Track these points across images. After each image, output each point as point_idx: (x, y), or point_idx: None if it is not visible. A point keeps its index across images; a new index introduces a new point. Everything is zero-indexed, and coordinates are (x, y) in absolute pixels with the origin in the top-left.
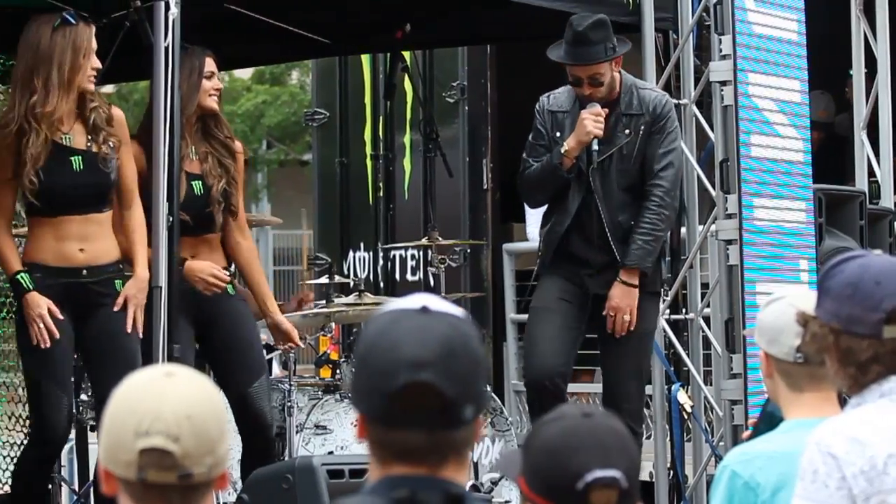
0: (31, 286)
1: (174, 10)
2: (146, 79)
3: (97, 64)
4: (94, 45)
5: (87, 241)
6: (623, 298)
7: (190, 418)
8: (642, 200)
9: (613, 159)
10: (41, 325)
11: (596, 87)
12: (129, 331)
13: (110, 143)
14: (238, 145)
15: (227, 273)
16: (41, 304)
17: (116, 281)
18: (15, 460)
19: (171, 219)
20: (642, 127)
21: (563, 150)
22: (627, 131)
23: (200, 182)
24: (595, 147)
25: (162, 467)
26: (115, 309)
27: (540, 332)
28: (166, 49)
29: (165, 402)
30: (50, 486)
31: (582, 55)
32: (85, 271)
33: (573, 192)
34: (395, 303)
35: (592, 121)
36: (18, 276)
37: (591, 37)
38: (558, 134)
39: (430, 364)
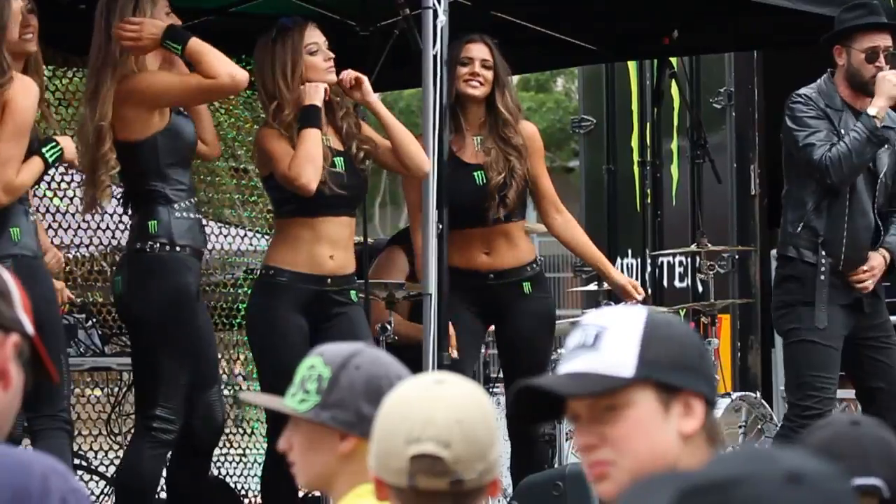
0: None
1: (442, 18)
2: (410, 87)
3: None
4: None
5: (337, 247)
6: (882, 268)
7: (461, 423)
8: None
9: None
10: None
11: (886, 64)
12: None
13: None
14: (528, 128)
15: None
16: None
17: (352, 291)
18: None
19: (440, 226)
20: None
21: (872, 114)
22: (886, 146)
23: (482, 173)
24: None
25: (433, 473)
26: None
27: (832, 379)
28: (434, 57)
29: (436, 408)
30: None
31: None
32: (330, 280)
33: (849, 198)
34: None
35: None
36: None
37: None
38: (842, 132)
39: None
